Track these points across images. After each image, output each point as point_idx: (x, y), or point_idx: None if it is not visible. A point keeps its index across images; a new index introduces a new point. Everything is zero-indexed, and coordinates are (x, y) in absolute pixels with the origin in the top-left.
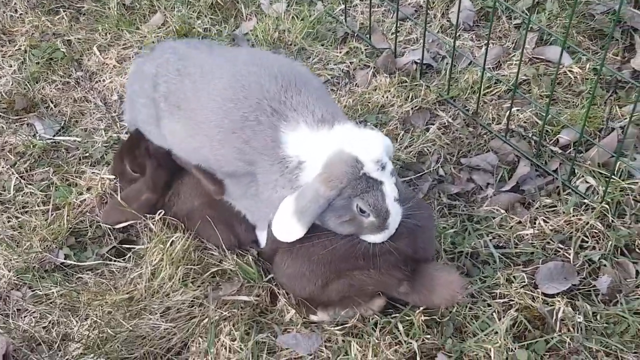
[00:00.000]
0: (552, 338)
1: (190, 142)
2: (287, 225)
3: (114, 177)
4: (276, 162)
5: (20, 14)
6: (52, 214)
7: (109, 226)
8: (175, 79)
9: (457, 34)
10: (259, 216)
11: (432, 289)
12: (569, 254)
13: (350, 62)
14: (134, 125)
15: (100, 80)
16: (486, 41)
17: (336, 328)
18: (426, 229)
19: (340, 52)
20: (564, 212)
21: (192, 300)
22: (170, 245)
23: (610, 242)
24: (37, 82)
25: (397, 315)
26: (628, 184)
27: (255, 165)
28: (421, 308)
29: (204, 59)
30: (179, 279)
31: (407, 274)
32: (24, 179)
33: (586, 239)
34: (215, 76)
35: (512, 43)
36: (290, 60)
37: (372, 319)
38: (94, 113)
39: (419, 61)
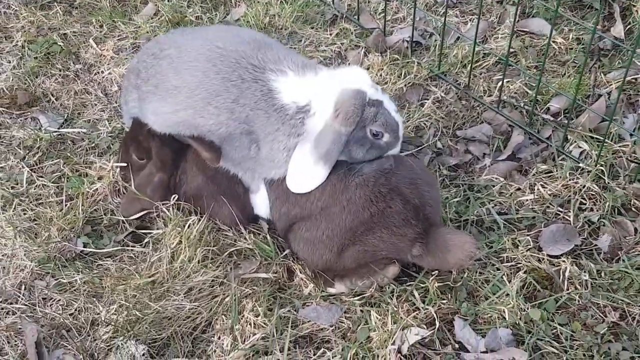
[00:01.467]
0: (561, 297)
1: (176, 116)
2: (311, 173)
3: (122, 170)
4: (274, 112)
5: (15, 10)
6: (66, 204)
7: (128, 218)
8: (153, 62)
9: (443, 10)
10: (257, 175)
11: (446, 250)
12: (569, 217)
13: (341, 43)
14: (127, 115)
15: (99, 72)
16: (471, 17)
17: (355, 298)
18: (429, 184)
19: (330, 34)
20: (560, 177)
21: (212, 280)
22: (187, 228)
23: (607, 203)
24: (37, 77)
25: (412, 283)
26: (620, 146)
27: (250, 122)
28: (435, 274)
29: (177, 39)
30: (199, 261)
31: (418, 230)
32: (34, 172)
33: (584, 201)
34: (189, 49)
35: (497, 17)
36: (250, 30)
37: (388, 288)
38: (95, 104)
39: (408, 39)
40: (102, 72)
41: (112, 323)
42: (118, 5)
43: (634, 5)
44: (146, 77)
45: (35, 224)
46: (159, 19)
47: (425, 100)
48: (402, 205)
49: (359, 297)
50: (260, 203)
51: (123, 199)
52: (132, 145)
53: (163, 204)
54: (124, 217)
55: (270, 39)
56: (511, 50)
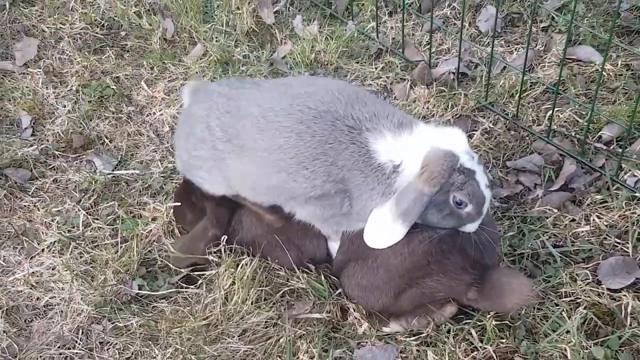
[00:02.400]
0: (624, 333)
1: (267, 180)
2: (389, 230)
3: (175, 220)
4: (371, 172)
5: (69, 56)
6: (121, 247)
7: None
8: (230, 121)
9: (487, 41)
10: (343, 228)
11: (502, 294)
12: (628, 248)
13: (386, 77)
14: (187, 170)
15: (150, 114)
16: (516, 46)
17: (411, 338)
18: (494, 244)
19: (375, 68)
20: (616, 207)
21: (266, 321)
22: (240, 268)
23: None
24: (91, 120)
25: (470, 321)
26: None
27: (346, 182)
28: (492, 313)
29: (254, 95)
30: (252, 302)
31: (474, 277)
32: (90, 215)
33: None
34: (276, 110)
35: (542, 46)
36: (334, 79)
37: (445, 327)
38: (147, 145)
39: (454, 70)
40: (154, 113)
41: None
42: (168, 47)
43: None
44: (225, 137)
45: (91, 267)
46: (207, 59)
47: (474, 132)
48: (461, 259)
49: (414, 337)
50: (336, 248)
51: (176, 247)
52: (186, 205)
53: (215, 251)
54: (175, 267)
55: (360, 91)
56: (557, 78)
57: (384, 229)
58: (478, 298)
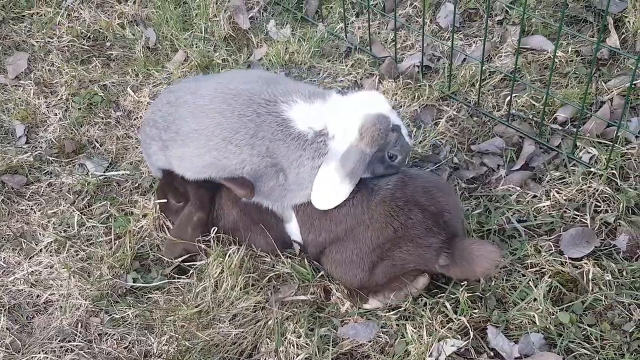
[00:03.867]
0: (587, 298)
1: (201, 160)
2: (337, 189)
3: (163, 214)
4: (293, 140)
5: (58, 67)
6: (115, 243)
7: (173, 259)
8: (169, 110)
9: (447, 35)
10: (286, 202)
11: (472, 260)
12: (586, 220)
13: (356, 73)
14: (154, 168)
15: (138, 117)
16: (474, 39)
17: (390, 313)
18: (443, 190)
19: (346, 66)
20: (573, 182)
21: (255, 306)
22: (228, 257)
23: (621, 204)
24: (81, 126)
25: (443, 294)
26: (627, 149)
27: (272, 153)
28: (464, 284)
29: (190, 86)
30: (240, 288)
31: (442, 239)
32: (84, 215)
33: (598, 203)
34: (204, 93)
35: (498, 37)
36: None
37: (421, 301)
38: (136, 147)
39: (419, 64)
40: (141, 117)
41: (164, 354)
42: (151, 55)
43: (626, 17)
44: (165, 125)
45: (88, 264)
46: (188, 64)
47: (439, 120)
48: (421, 215)
49: (393, 312)
50: (296, 230)
51: (165, 241)
52: (169, 192)
53: (204, 240)
54: (167, 258)
55: (277, 75)
56: (513, 66)
57: (330, 190)
58: (449, 264)
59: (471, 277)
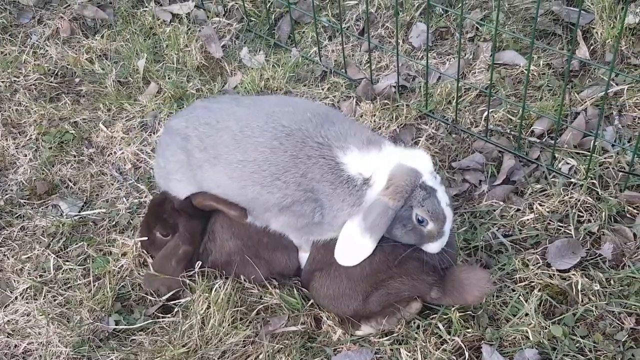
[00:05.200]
0: (577, 310)
1: (243, 191)
2: (358, 245)
3: (145, 251)
4: (341, 184)
5: (26, 106)
6: (94, 285)
7: (154, 293)
8: (208, 131)
9: (421, 54)
10: (313, 237)
11: (462, 289)
12: (570, 230)
13: (333, 96)
14: (162, 177)
15: (111, 153)
16: (447, 57)
17: (384, 339)
18: (450, 244)
19: (322, 89)
20: (555, 194)
21: (244, 340)
22: (214, 292)
23: (603, 213)
24: (53, 166)
25: (436, 315)
26: (605, 158)
27: (316, 192)
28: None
29: (234, 110)
30: (229, 323)
31: (436, 278)
32: (60, 257)
33: (581, 213)
34: (252, 126)
35: (471, 54)
36: (308, 100)
37: (414, 323)
38: (112, 184)
39: (395, 84)
40: (115, 152)
41: None
42: (122, 88)
43: (593, 28)
44: (201, 145)
45: (66, 309)
46: (162, 96)
47: (419, 139)
48: (418, 265)
49: (387, 337)
50: (304, 259)
51: (145, 274)
52: (156, 225)
53: (188, 277)
54: (147, 289)
55: (328, 110)
56: (489, 82)
57: (353, 244)
58: (441, 296)
59: (464, 304)
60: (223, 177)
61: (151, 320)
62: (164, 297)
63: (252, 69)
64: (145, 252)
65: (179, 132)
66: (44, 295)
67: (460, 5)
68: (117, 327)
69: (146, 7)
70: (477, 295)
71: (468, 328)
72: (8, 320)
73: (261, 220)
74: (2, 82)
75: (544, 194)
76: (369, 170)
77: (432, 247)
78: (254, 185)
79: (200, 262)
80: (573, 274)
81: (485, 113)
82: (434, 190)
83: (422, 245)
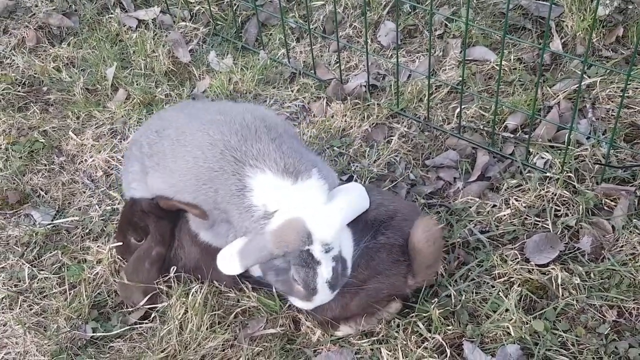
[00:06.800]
0: (558, 304)
1: (179, 199)
2: (229, 259)
3: (121, 257)
4: (244, 210)
5: None
6: (70, 293)
7: (134, 304)
8: (155, 139)
9: (390, 53)
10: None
11: (413, 245)
12: (547, 225)
13: (303, 97)
14: (125, 188)
15: (82, 161)
16: (417, 54)
17: (363, 340)
18: (408, 217)
19: (292, 91)
20: (531, 189)
21: (223, 344)
22: (191, 297)
23: (580, 206)
24: (24, 175)
25: (415, 313)
26: (580, 151)
27: (227, 213)
28: (435, 301)
29: (179, 118)
30: (207, 327)
31: (407, 263)
32: (35, 267)
33: (558, 207)
34: (186, 132)
35: (441, 51)
36: (256, 107)
37: (394, 322)
38: (84, 192)
39: (365, 84)
40: (86, 160)
41: None
42: (91, 96)
43: (563, 21)
44: (149, 152)
45: (43, 318)
46: (131, 102)
47: (392, 137)
48: (386, 254)
49: (367, 337)
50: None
51: (118, 284)
52: (129, 230)
53: (164, 281)
54: (125, 301)
55: (269, 119)
56: (459, 78)
57: (227, 257)
58: (416, 278)
59: (424, 260)
60: (162, 184)
61: (128, 327)
62: (141, 303)
63: (220, 72)
64: (121, 258)
65: (136, 142)
66: (20, 305)
67: (429, 1)
68: (94, 334)
69: (112, 13)
70: (423, 236)
71: (448, 325)
72: None
73: (193, 227)
74: None
75: (519, 189)
76: (273, 205)
77: (299, 304)
78: (183, 194)
79: (175, 268)
80: (552, 269)
81: (458, 110)
82: (317, 263)
83: (290, 297)
